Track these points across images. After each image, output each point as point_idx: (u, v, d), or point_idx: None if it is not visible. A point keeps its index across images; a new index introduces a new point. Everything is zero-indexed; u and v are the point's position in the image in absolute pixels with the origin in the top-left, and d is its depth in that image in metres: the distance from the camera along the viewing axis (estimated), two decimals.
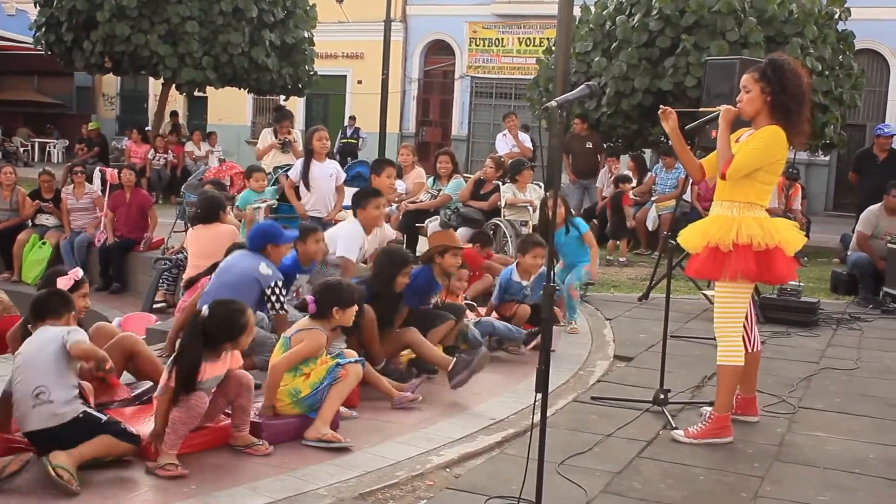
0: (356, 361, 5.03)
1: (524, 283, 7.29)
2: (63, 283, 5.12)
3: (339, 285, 5.25)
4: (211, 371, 4.46)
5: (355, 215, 6.99)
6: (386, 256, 6.21)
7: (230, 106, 28.57)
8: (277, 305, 5.94)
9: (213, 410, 4.58)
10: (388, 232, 7.33)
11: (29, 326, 4.64)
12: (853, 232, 10.49)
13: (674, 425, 5.24)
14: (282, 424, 4.82)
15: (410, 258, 6.35)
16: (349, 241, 7.00)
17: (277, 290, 5.92)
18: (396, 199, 10.58)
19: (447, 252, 6.55)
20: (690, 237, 5.09)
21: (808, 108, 4.95)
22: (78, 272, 5.30)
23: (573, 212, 8.54)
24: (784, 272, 5.02)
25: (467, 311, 7.05)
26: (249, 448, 4.59)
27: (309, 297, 5.15)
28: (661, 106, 5.22)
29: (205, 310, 4.48)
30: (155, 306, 9.85)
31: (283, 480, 4.25)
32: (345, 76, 29.11)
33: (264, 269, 5.96)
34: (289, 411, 4.91)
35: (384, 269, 6.06)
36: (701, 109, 5.29)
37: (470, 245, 8.34)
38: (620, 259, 12.14)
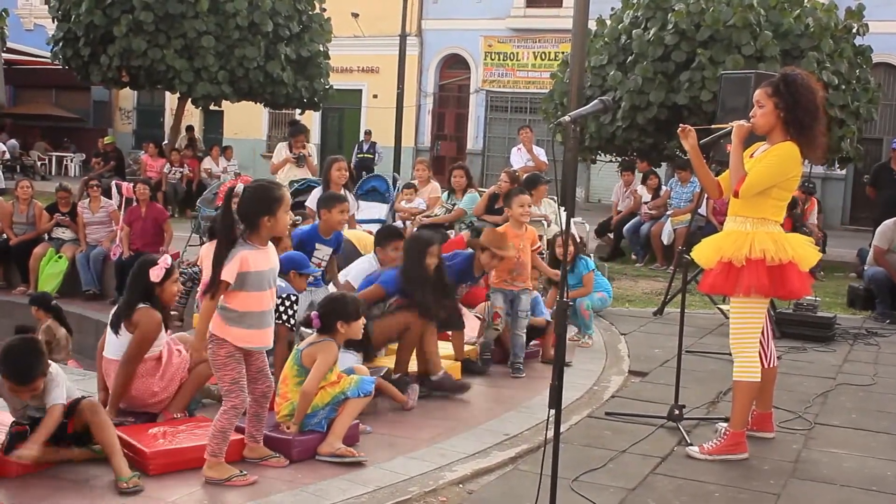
0: (364, 395, 4.94)
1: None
2: (155, 275, 5.11)
3: (343, 299, 5.23)
4: (254, 263, 4.34)
5: (375, 252, 7.06)
6: (412, 240, 6.45)
7: (246, 120, 28.71)
8: (285, 317, 5.85)
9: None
10: None
11: None
12: (870, 246, 10.44)
13: (689, 441, 5.21)
14: (313, 440, 4.77)
15: (437, 238, 6.46)
16: (359, 272, 6.98)
17: (287, 304, 5.87)
18: (409, 215, 10.59)
19: (485, 251, 6.70)
20: (703, 252, 5.08)
21: (823, 122, 4.92)
22: (167, 260, 5.24)
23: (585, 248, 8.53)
24: (798, 287, 5.00)
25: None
26: (265, 461, 4.61)
27: (313, 314, 5.15)
28: (680, 125, 5.19)
29: (239, 187, 4.28)
30: None
31: (296, 496, 4.25)
32: (360, 90, 29.23)
33: (279, 282, 5.90)
34: (284, 421, 4.89)
35: (411, 253, 6.20)
36: (714, 126, 5.26)
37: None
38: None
